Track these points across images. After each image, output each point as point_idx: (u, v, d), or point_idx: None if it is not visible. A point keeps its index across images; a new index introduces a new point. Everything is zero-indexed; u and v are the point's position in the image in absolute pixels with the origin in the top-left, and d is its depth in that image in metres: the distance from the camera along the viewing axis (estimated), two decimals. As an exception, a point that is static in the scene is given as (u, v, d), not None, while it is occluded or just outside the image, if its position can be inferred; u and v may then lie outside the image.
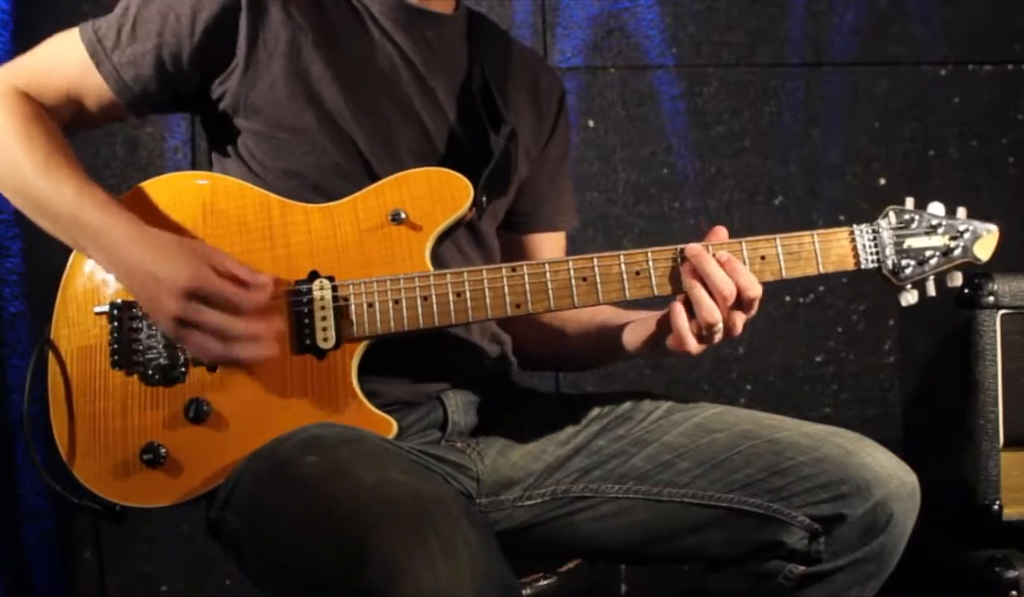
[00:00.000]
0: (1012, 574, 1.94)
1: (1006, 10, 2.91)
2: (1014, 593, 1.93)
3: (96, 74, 1.60)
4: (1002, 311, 2.02)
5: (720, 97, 2.86)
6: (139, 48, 1.58)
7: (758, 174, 2.87)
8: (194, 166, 2.67)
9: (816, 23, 2.88)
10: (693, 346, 1.51)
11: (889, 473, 1.49)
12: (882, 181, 2.87)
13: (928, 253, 1.58)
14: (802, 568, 1.52)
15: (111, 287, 1.56)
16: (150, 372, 1.53)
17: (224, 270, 1.47)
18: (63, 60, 1.61)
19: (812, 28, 2.88)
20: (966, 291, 2.03)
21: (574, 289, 1.54)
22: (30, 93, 1.60)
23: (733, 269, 1.49)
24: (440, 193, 1.58)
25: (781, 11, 2.87)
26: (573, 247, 1.88)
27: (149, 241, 1.49)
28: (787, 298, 2.87)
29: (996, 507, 2.01)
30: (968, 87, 2.91)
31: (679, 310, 1.51)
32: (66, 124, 1.62)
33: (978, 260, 1.59)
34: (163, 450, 1.51)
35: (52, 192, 1.52)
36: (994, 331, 2.02)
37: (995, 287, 2.01)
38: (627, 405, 1.66)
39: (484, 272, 1.54)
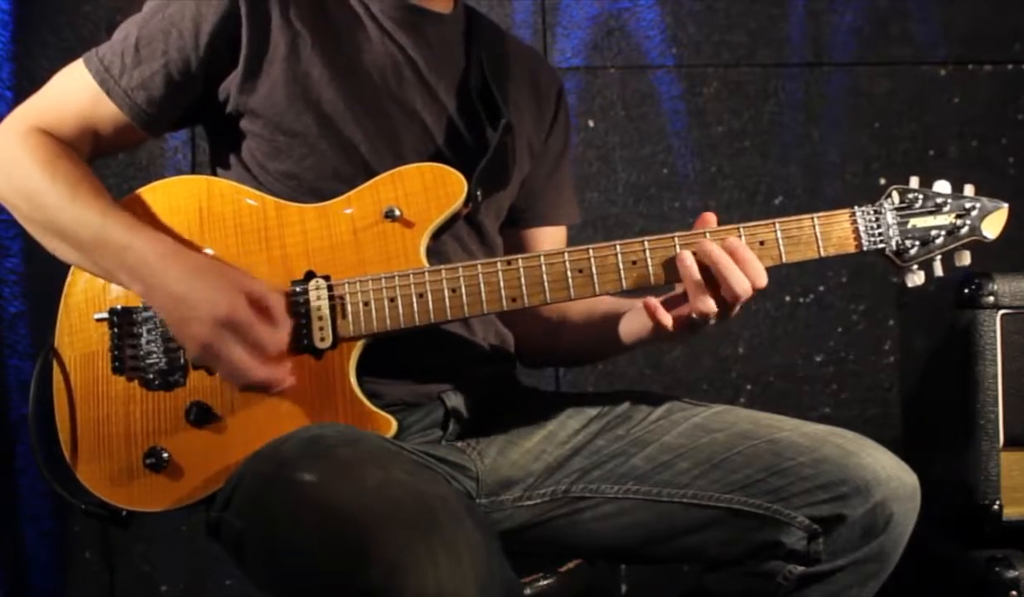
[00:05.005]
0: (1012, 574, 1.94)
1: (1006, 10, 2.90)
2: (1014, 593, 1.93)
3: (108, 102, 1.59)
4: (1002, 311, 2.02)
5: (720, 97, 2.86)
6: (147, 70, 1.58)
7: (758, 174, 2.86)
8: (194, 166, 2.67)
9: (816, 23, 2.88)
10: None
11: (889, 473, 1.49)
12: (882, 181, 2.86)
13: (933, 232, 1.55)
14: (801, 568, 1.52)
15: (111, 293, 1.56)
16: (150, 376, 1.53)
17: (257, 298, 1.47)
18: (74, 93, 1.61)
19: (812, 28, 2.88)
20: (966, 291, 2.02)
21: (570, 281, 1.54)
22: (49, 131, 1.59)
23: (745, 263, 1.49)
24: (434, 189, 1.57)
25: (781, 11, 2.87)
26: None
27: (183, 263, 1.49)
28: (787, 298, 2.87)
29: (996, 507, 2.00)
30: (968, 87, 2.91)
31: (681, 301, 1.52)
32: (88, 156, 1.62)
33: (986, 238, 1.56)
34: (165, 454, 1.51)
35: (78, 217, 1.52)
36: (994, 331, 2.01)
37: (995, 287, 2.01)
38: (627, 405, 1.66)
39: (479, 267, 1.53)
